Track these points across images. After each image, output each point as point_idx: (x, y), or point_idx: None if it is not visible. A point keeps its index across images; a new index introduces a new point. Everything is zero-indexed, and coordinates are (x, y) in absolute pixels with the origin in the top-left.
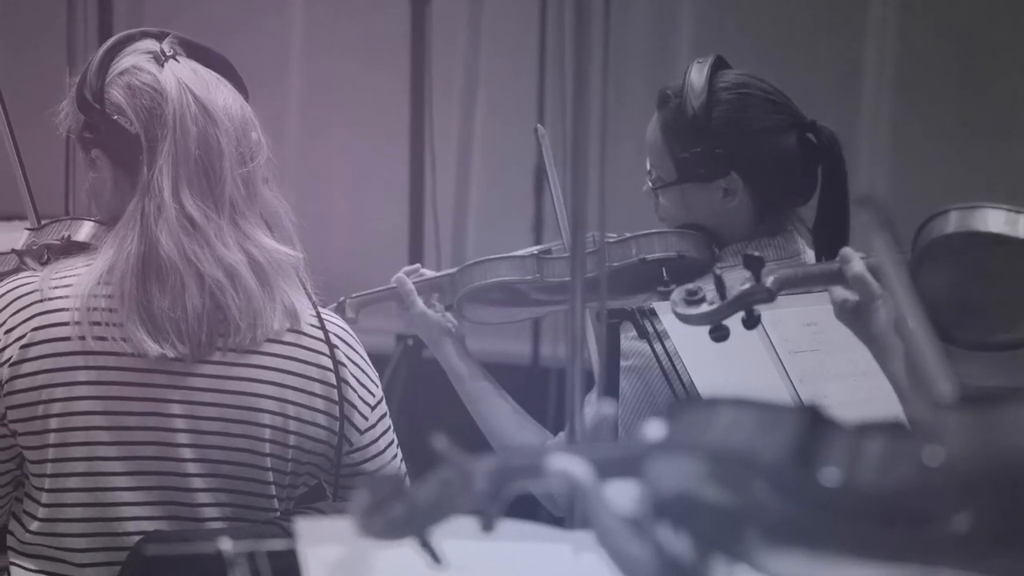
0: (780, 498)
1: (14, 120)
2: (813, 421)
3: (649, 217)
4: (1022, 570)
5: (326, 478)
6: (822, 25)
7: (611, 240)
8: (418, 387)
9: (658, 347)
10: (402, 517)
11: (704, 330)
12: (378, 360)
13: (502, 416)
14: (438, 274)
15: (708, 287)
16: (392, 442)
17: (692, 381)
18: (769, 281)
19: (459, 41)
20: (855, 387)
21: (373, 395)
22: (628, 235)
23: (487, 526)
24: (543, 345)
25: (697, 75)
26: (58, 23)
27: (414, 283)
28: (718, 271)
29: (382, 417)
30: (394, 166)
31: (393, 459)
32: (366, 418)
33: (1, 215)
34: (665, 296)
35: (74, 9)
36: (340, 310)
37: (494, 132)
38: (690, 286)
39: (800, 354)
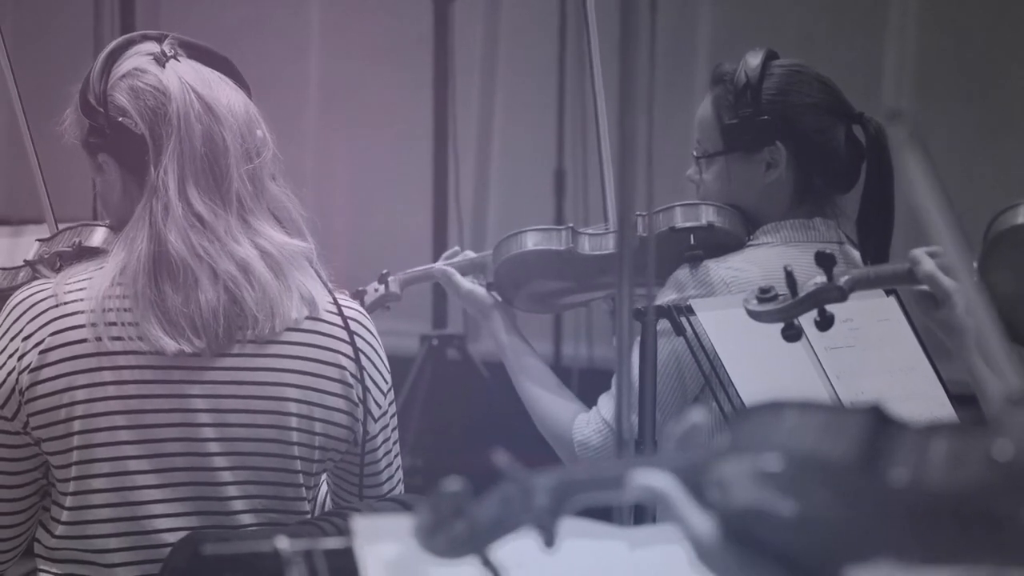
0: (849, 502)
1: (42, 127)
2: (879, 422)
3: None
4: None
5: (337, 467)
6: (841, 30)
7: (642, 213)
8: (442, 388)
9: (694, 343)
10: (463, 535)
11: (741, 326)
12: (403, 362)
13: (545, 389)
14: (479, 254)
15: (780, 285)
16: (396, 428)
17: (730, 379)
18: (842, 280)
19: (477, 42)
20: (892, 384)
21: (387, 382)
22: (660, 207)
23: (548, 541)
24: (565, 345)
25: (753, 56)
26: (84, 31)
27: (456, 263)
28: (790, 268)
29: (391, 404)
30: (416, 166)
31: (395, 445)
32: (379, 406)
33: (31, 219)
34: (694, 262)
35: (100, 15)
36: (384, 283)
37: (513, 134)
38: (763, 284)
39: (837, 350)
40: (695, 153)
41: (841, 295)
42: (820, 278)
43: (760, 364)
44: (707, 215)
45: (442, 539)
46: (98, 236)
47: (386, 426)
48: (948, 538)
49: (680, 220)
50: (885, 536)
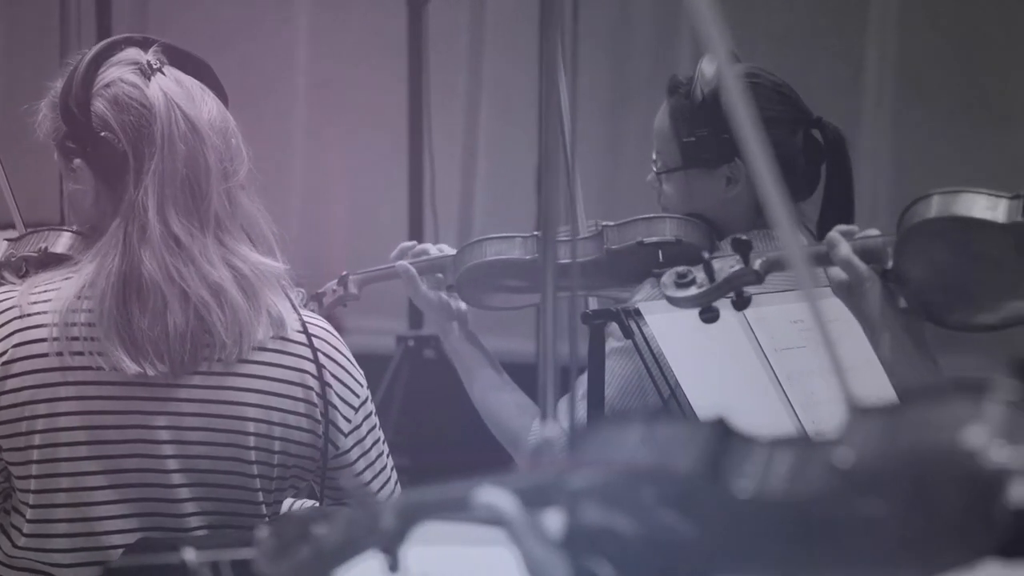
0: (695, 516)
1: (7, 126)
2: (723, 434)
3: (655, 206)
4: (941, 573)
5: (314, 479)
6: (824, 21)
7: (610, 225)
8: (420, 388)
9: (643, 347)
10: (308, 559)
11: (689, 329)
12: (379, 361)
13: (500, 397)
14: (441, 254)
15: (698, 271)
16: (379, 440)
17: (677, 381)
18: (757, 264)
19: (461, 42)
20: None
21: (357, 396)
22: (627, 219)
23: (393, 566)
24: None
25: (708, 64)
26: (52, 27)
27: (416, 262)
28: (707, 255)
29: (367, 417)
30: (396, 165)
31: (379, 457)
32: (349, 420)
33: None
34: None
35: (67, 12)
36: (343, 284)
37: (498, 133)
38: (680, 269)
39: (787, 351)
40: (654, 166)
41: (757, 278)
42: (737, 263)
43: (709, 365)
44: (675, 230)
45: (286, 564)
46: (63, 241)
47: (361, 439)
48: (792, 549)
49: (648, 234)
50: (732, 550)
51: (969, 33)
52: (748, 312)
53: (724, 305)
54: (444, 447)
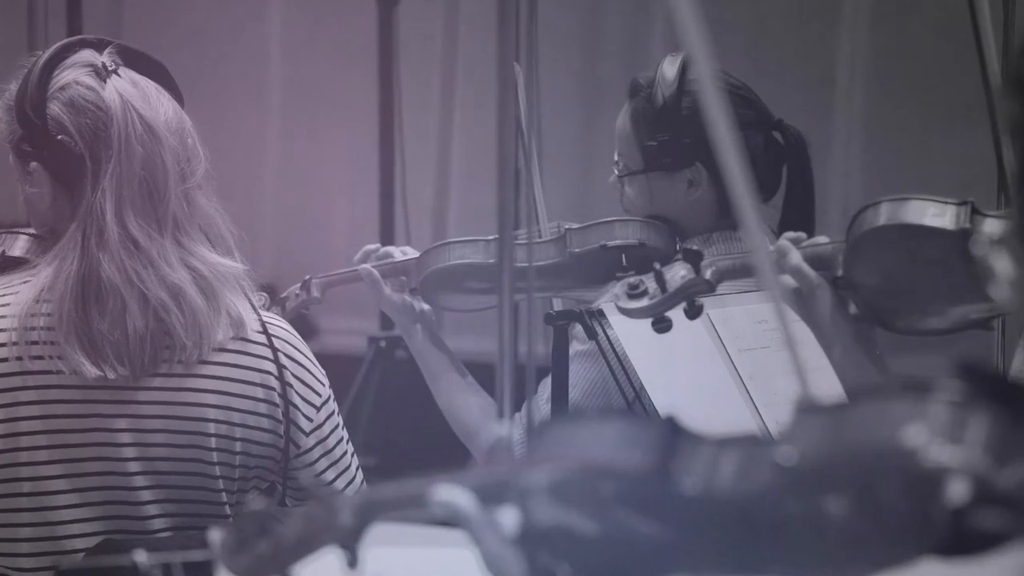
0: (646, 513)
1: None
2: (673, 432)
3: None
4: (882, 570)
5: (276, 479)
6: (795, 20)
7: (573, 227)
8: (391, 388)
9: (607, 348)
10: (267, 554)
11: (653, 331)
12: (351, 362)
13: (463, 399)
14: (405, 257)
15: (649, 281)
16: (342, 439)
17: (642, 384)
18: (708, 273)
19: (433, 42)
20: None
21: (319, 395)
22: (590, 222)
23: (352, 562)
24: (521, 344)
25: (669, 66)
26: (20, 29)
27: (379, 266)
28: (658, 266)
29: (330, 416)
30: (368, 167)
31: (344, 456)
32: (311, 420)
33: None
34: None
35: (35, 14)
36: (306, 288)
37: (471, 134)
38: (632, 280)
39: (750, 351)
40: (616, 169)
41: (709, 287)
42: (688, 273)
43: (673, 366)
44: (638, 233)
45: (245, 558)
46: (20, 245)
47: (323, 439)
48: (739, 546)
49: (611, 238)
50: (682, 547)
51: (940, 30)
52: (712, 313)
53: (679, 312)
54: (416, 447)
